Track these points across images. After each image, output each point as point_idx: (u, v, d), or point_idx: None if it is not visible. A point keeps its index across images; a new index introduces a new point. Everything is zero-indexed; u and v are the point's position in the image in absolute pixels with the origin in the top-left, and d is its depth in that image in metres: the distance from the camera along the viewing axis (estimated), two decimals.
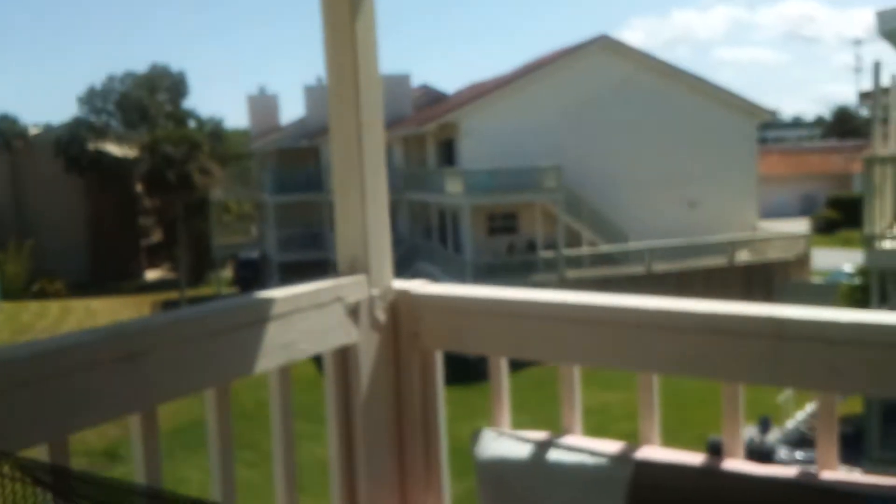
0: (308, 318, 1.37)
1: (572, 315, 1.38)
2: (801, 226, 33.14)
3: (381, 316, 1.50)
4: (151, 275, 44.42)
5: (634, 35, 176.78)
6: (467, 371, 6.98)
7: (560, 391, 1.44)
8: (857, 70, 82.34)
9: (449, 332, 1.53)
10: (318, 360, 1.49)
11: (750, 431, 14.09)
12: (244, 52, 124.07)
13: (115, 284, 39.94)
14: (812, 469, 1.21)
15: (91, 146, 41.43)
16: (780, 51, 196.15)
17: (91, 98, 44.54)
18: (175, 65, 64.50)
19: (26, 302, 36.79)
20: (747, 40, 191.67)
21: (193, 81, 74.88)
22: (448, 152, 29.52)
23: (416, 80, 37.99)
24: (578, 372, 1.43)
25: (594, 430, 1.41)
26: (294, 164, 33.68)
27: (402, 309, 1.53)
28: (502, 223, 28.39)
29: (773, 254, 27.86)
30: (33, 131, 43.95)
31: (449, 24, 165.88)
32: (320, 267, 33.25)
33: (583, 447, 1.35)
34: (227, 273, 39.68)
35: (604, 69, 28.57)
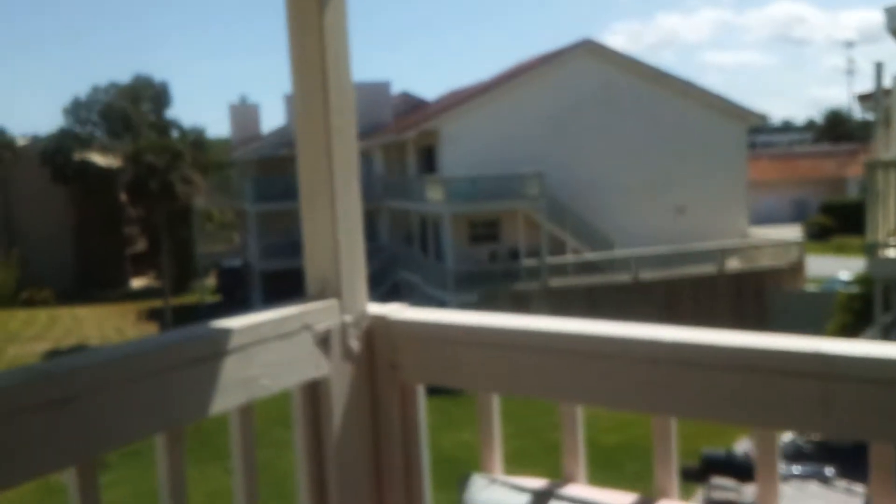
0: (271, 350, 1.23)
1: (575, 347, 1.22)
2: (793, 232, 32.78)
3: (355, 345, 1.37)
4: (137, 283, 44.33)
5: (617, 40, 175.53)
6: None
7: (561, 433, 1.30)
8: (850, 72, 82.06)
9: (431, 364, 1.38)
10: None
11: (744, 445, 13.72)
12: (226, 63, 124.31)
13: (101, 293, 39.85)
14: None
15: (76, 156, 41.43)
16: (768, 54, 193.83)
17: (76, 109, 44.55)
18: (158, 75, 64.38)
19: (14, 310, 36.70)
20: (735, 43, 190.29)
21: (176, 91, 75.02)
22: (429, 160, 29.26)
23: (396, 88, 37.85)
24: (581, 412, 1.28)
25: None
26: (275, 173, 33.43)
27: (378, 337, 1.39)
28: (484, 231, 28.05)
29: (765, 261, 27.28)
30: (21, 142, 43.95)
31: (429, 31, 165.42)
32: (302, 275, 33.01)
33: (588, 499, 1.22)
34: (211, 281, 39.60)
35: (588, 74, 28.27)
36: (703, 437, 12.57)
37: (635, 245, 26.65)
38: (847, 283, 20.95)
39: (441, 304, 24.63)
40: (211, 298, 36.00)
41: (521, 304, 24.38)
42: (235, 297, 34.41)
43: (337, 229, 1.34)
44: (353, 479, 1.37)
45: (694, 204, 28.71)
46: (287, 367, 1.27)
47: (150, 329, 31.67)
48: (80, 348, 27.68)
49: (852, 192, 44.55)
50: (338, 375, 1.33)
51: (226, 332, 1.18)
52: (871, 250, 10.27)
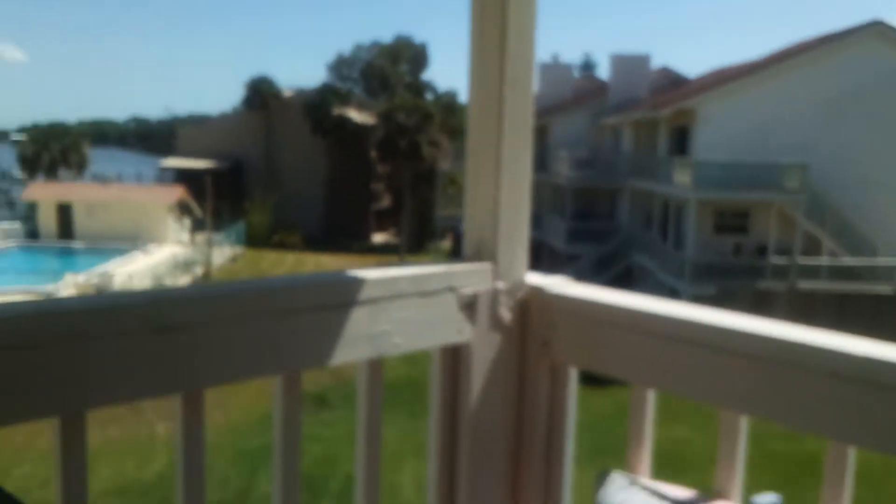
0: (407, 307, 1.20)
1: (752, 350, 1.07)
2: None
3: (506, 315, 1.31)
4: (378, 238, 46.80)
5: None
6: None
7: (718, 441, 1.17)
8: None
9: (587, 346, 1.29)
10: None
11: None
12: None
13: (345, 242, 42.53)
14: None
15: (335, 111, 44.22)
16: None
17: (339, 66, 47.41)
18: (419, 36, 66.96)
19: (266, 251, 40.34)
20: None
21: (435, 54, 77.50)
22: (681, 141, 27.84)
23: (657, 62, 36.27)
24: (746, 424, 1.15)
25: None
26: None
27: (532, 310, 1.33)
28: (731, 221, 26.38)
29: None
30: (287, 94, 47.69)
31: (699, 5, 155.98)
32: (534, 248, 33.10)
33: None
34: (447, 244, 40.77)
35: (874, 59, 25.46)
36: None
37: None
38: None
39: (674, 293, 23.60)
40: (444, 260, 37.11)
41: (762, 304, 22.84)
42: None
43: (500, 192, 1.29)
44: (488, 455, 1.32)
45: None
46: (423, 328, 1.22)
47: None
48: None
49: None
50: (482, 344, 1.28)
51: (357, 282, 1.14)
52: None
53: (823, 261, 24.80)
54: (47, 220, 39.27)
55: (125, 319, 0.96)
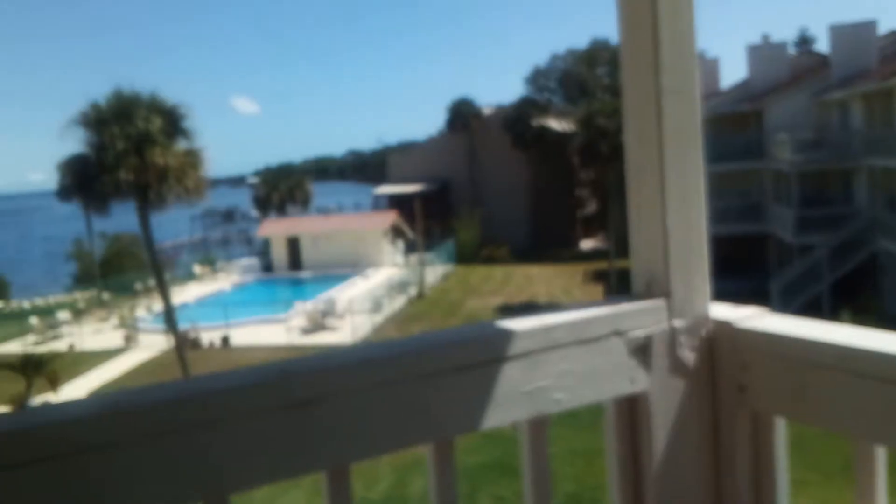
0: (568, 358, 1.09)
1: None
2: None
3: (689, 357, 1.16)
4: (586, 244, 46.02)
5: None
6: None
7: None
8: None
9: (794, 391, 1.09)
10: None
11: None
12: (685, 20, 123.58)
13: (552, 252, 42.21)
14: None
15: (535, 122, 44.25)
16: None
17: (536, 77, 47.48)
18: (615, 38, 65.61)
19: (475, 266, 41.00)
20: None
21: None
22: None
23: (884, 27, 32.34)
24: None
25: None
26: (734, 130, 31.34)
27: (721, 349, 1.17)
28: None
29: None
30: (486, 111, 48.57)
31: None
32: (759, 242, 30.70)
33: None
34: None
35: None
36: None
37: None
38: None
39: None
40: None
41: None
42: None
43: (668, 216, 1.13)
44: None
45: None
46: (589, 379, 1.10)
47: (596, 290, 32.50)
48: (529, 306, 29.57)
49: None
50: (662, 392, 1.14)
51: (507, 335, 1.05)
52: None
53: None
54: (279, 253, 42.70)
55: (256, 398, 0.91)
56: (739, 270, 27.44)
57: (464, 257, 41.89)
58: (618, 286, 30.19)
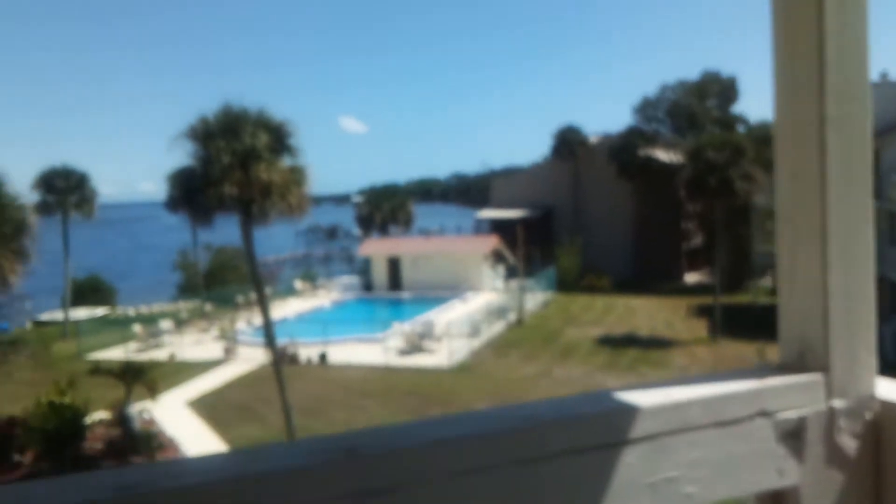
0: (701, 443, 0.91)
1: None
2: None
3: (850, 445, 0.98)
4: (690, 278, 44.53)
5: None
6: None
7: None
8: None
9: None
10: None
11: None
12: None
13: (655, 284, 41.06)
14: None
15: (641, 152, 43.40)
16: None
17: (645, 108, 46.57)
18: (727, 69, 63.51)
19: (576, 294, 40.31)
20: None
21: (746, 84, 73.07)
22: None
23: None
24: None
25: None
26: None
27: (889, 436, 0.98)
28: None
29: None
30: (593, 140, 47.96)
31: None
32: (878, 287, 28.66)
33: None
34: (767, 282, 37.44)
35: None
36: None
37: None
38: None
39: None
40: (765, 300, 34.01)
41: None
42: None
43: (828, 265, 0.95)
44: None
45: None
46: (726, 470, 0.92)
47: (700, 325, 31.30)
48: (631, 338, 28.70)
49: None
50: (816, 487, 0.96)
51: (626, 412, 0.87)
52: None
53: None
54: (379, 272, 43.26)
55: (315, 485, 0.76)
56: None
57: (564, 285, 41.29)
58: (722, 323, 28.96)
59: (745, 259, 37.78)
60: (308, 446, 0.80)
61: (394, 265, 42.88)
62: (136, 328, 31.96)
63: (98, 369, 20.01)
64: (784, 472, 0.96)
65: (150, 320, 34.92)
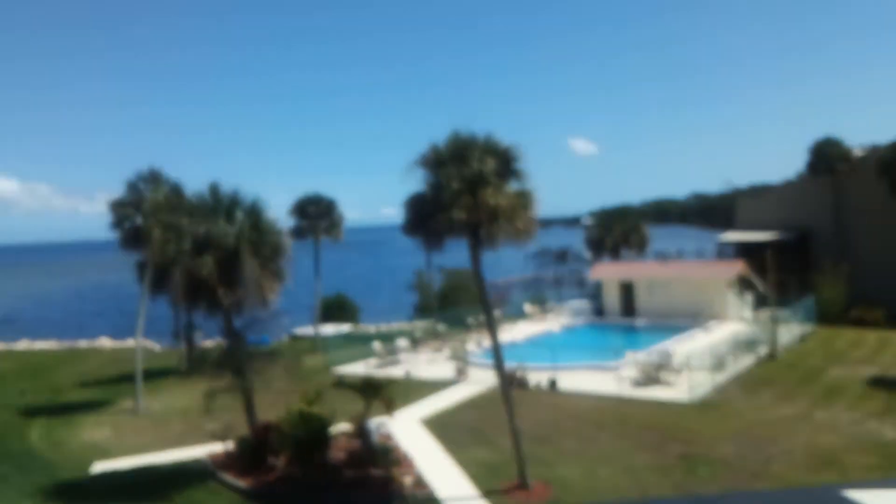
0: None
1: None
2: None
3: None
4: None
5: None
6: None
7: None
8: None
9: None
10: None
11: None
12: None
13: None
14: None
15: None
16: None
17: None
18: None
19: (840, 328, 35.62)
20: None
21: None
22: None
23: None
24: None
25: None
26: None
27: None
28: None
29: None
30: (857, 153, 42.40)
31: None
32: None
33: None
34: None
35: None
36: None
37: None
38: None
39: None
40: None
41: None
42: None
43: None
44: None
45: None
46: None
47: None
48: None
49: None
50: None
51: None
52: None
53: None
54: (611, 297, 41.35)
55: None
56: None
57: (826, 317, 36.67)
58: None
59: None
60: None
61: (627, 290, 40.81)
62: (376, 345, 33.08)
63: (341, 383, 21.04)
64: None
65: (388, 338, 36.04)
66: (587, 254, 56.41)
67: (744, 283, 38.55)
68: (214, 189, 19.95)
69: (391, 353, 32.89)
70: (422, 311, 47.95)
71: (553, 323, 40.68)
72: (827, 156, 42.35)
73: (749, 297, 38.67)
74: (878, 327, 35.40)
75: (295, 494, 16.60)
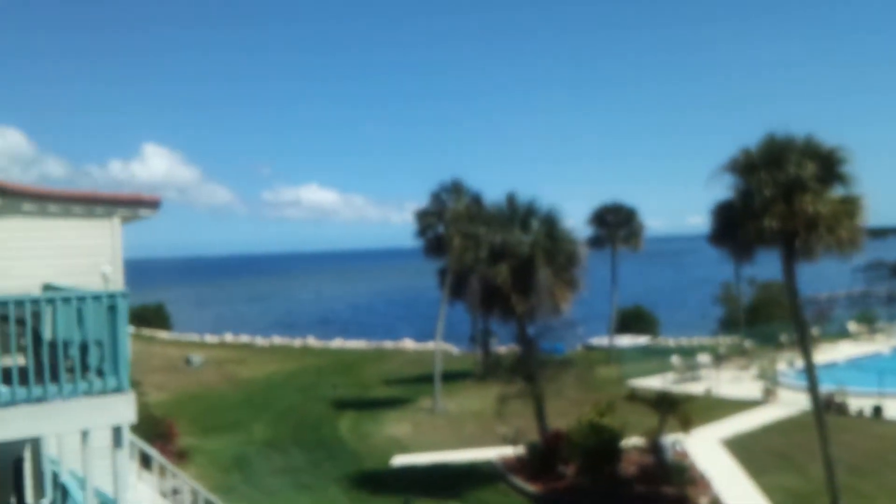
0: None
1: None
2: None
3: None
4: None
5: None
6: None
7: None
8: None
9: None
10: None
11: None
12: None
13: None
14: None
15: None
16: None
17: None
18: None
19: None
20: None
21: None
22: None
23: None
24: None
25: None
26: None
27: None
28: None
29: None
30: None
31: None
32: None
33: None
34: None
35: None
36: None
37: None
38: None
39: None
40: None
41: None
42: None
43: None
44: None
45: None
46: None
47: None
48: None
49: None
50: None
51: None
52: None
53: None
54: None
55: None
56: None
57: None
58: None
59: None
60: None
61: None
62: (674, 360, 31.87)
63: (634, 396, 20.62)
64: None
65: (688, 353, 34.55)
66: None
67: None
68: (511, 199, 20.66)
69: (691, 369, 31.40)
70: (728, 325, 45.13)
71: (882, 344, 36.06)
72: None
73: None
74: None
75: None
